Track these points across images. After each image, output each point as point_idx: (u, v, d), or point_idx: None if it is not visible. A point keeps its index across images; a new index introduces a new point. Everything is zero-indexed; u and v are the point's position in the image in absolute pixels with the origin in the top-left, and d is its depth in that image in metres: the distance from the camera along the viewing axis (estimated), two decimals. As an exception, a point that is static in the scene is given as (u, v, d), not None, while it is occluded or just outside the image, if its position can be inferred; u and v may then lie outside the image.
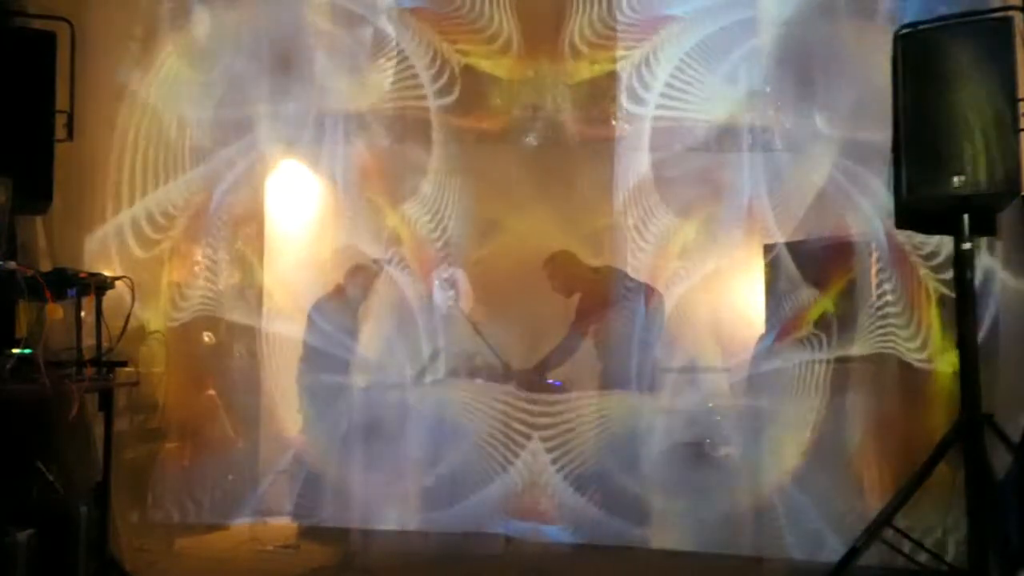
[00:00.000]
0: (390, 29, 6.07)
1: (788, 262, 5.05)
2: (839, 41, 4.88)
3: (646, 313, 5.66)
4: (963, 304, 3.66)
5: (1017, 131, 3.48)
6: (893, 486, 3.77)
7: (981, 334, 3.69)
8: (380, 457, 5.43)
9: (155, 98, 5.50)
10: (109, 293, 3.57)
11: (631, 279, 5.88)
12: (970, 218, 3.64)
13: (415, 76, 6.11)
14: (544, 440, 5.48)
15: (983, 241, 3.89)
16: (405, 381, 5.81)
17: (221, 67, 5.79)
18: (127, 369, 3.80)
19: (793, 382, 4.80)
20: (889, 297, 4.61)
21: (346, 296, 5.85)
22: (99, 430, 3.69)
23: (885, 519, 3.67)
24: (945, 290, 4.22)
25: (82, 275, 3.47)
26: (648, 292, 5.74)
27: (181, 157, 5.77)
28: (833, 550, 3.90)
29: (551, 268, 5.86)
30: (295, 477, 5.66)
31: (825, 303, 4.82)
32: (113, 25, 4.97)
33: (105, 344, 3.53)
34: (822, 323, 4.80)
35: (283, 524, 5.45)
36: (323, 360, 5.65)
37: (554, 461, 5.46)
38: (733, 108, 5.73)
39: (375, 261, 5.79)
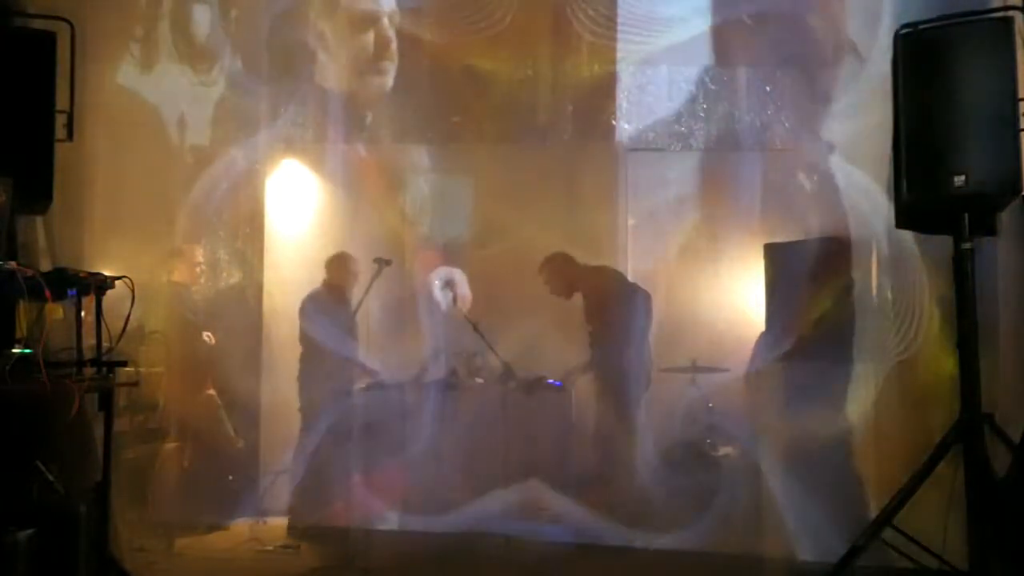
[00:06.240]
0: (391, 30, 6.08)
1: (788, 262, 5.04)
2: (840, 40, 4.88)
3: (637, 313, 5.66)
4: (963, 304, 3.66)
5: (1017, 131, 3.48)
6: (893, 486, 3.76)
7: (981, 334, 3.68)
8: (380, 457, 5.43)
9: (155, 98, 5.50)
10: (109, 293, 3.56)
11: (624, 279, 5.89)
12: (970, 218, 3.63)
13: (415, 76, 6.11)
14: (544, 440, 5.48)
15: (983, 241, 3.88)
16: (405, 381, 5.81)
17: (221, 67, 5.80)
18: (127, 369, 3.80)
19: (793, 382, 4.80)
20: (889, 297, 4.61)
21: (334, 288, 5.81)
22: (99, 430, 3.68)
23: (885, 519, 3.67)
24: (945, 290, 4.22)
25: (82, 275, 3.47)
26: (638, 292, 5.75)
27: (181, 157, 5.78)
28: (833, 550, 3.89)
29: (548, 271, 5.85)
30: (295, 477, 5.65)
31: (825, 303, 4.82)
32: (113, 25, 4.97)
33: (105, 344, 3.53)
34: (822, 323, 4.80)
35: (283, 524, 5.44)
36: (323, 359, 5.65)
37: (554, 461, 5.47)
38: (733, 107, 5.73)
39: (377, 260, 5.77)
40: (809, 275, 4.88)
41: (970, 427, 3.57)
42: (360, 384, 5.75)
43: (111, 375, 3.61)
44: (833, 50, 4.95)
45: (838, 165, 4.89)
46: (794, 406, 4.74)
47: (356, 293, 5.80)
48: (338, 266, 5.82)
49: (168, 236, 5.69)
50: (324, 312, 5.69)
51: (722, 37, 5.74)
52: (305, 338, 5.70)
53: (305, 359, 5.71)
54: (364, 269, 5.81)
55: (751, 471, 4.92)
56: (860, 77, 4.61)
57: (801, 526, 4.49)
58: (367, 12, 6.11)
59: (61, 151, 3.81)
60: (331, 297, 5.79)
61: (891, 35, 3.77)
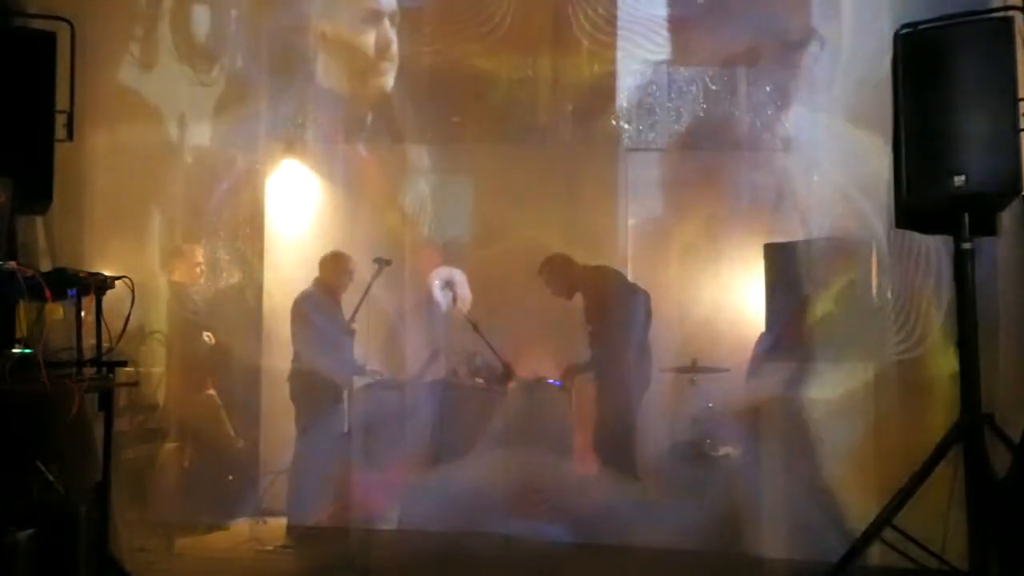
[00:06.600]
0: (392, 31, 6.09)
1: (788, 262, 5.05)
2: (840, 39, 4.89)
3: (637, 313, 5.67)
4: (963, 304, 3.66)
5: (1017, 131, 3.48)
6: (893, 486, 3.76)
7: (981, 334, 3.68)
8: (380, 457, 5.43)
9: (155, 98, 5.50)
10: (109, 293, 3.56)
11: (624, 279, 5.90)
12: (970, 218, 3.64)
13: (416, 76, 6.12)
14: (544, 439, 5.48)
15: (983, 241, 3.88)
16: (405, 381, 5.80)
17: (221, 67, 5.80)
18: (127, 369, 3.80)
19: (793, 382, 4.80)
20: (889, 297, 4.61)
21: (328, 288, 5.79)
22: (99, 430, 3.68)
23: (885, 519, 3.67)
24: (945, 290, 4.22)
25: (82, 275, 3.47)
26: (638, 292, 5.76)
27: (181, 157, 5.78)
28: (833, 550, 3.90)
29: (547, 272, 5.85)
30: (295, 477, 5.64)
31: (825, 303, 4.82)
32: (113, 25, 4.96)
33: (105, 344, 3.53)
34: (822, 323, 4.80)
35: (283, 524, 5.44)
36: (318, 359, 5.63)
37: (554, 460, 5.47)
38: (733, 107, 5.74)
39: (377, 260, 5.76)
40: (809, 275, 4.88)
41: (970, 427, 3.57)
42: (360, 384, 5.74)
43: (111, 375, 3.61)
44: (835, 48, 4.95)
45: (838, 165, 4.89)
46: (793, 406, 4.74)
47: (350, 292, 5.78)
48: (332, 265, 5.81)
49: (168, 236, 5.69)
50: (318, 311, 5.67)
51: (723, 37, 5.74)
52: (297, 338, 5.69)
53: (298, 359, 5.69)
54: (360, 268, 5.79)
55: (751, 471, 4.92)
56: (860, 76, 4.60)
57: (801, 526, 4.49)
58: (368, 12, 6.12)
59: (61, 151, 3.81)
60: (325, 296, 5.77)
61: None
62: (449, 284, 6.12)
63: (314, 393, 5.62)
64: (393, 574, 4.72)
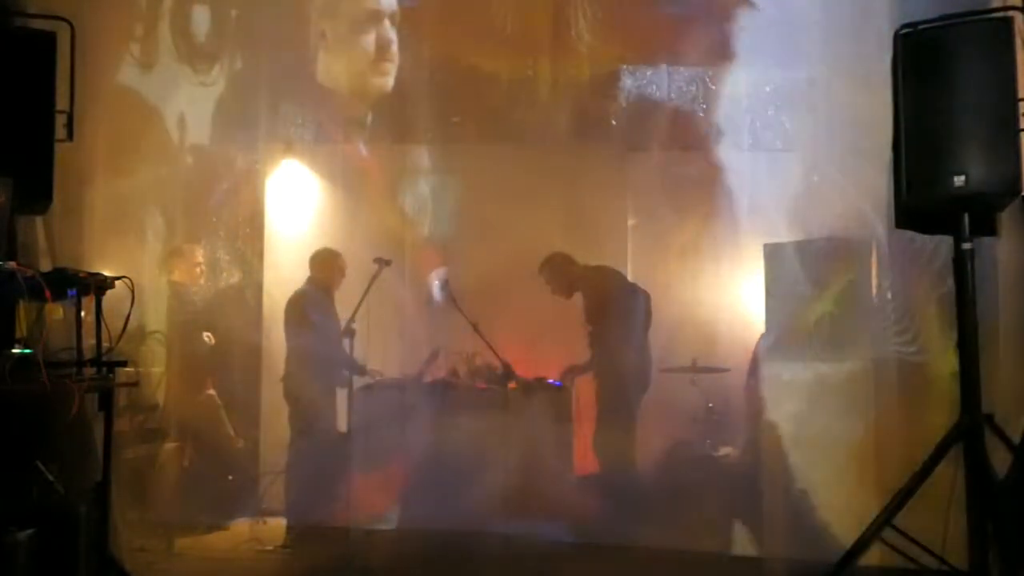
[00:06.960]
0: (392, 31, 6.09)
1: (788, 262, 5.05)
2: (841, 39, 4.88)
3: (637, 313, 5.67)
4: (963, 304, 3.66)
5: (1017, 131, 3.48)
6: (893, 486, 3.76)
7: (981, 334, 3.68)
8: (380, 457, 5.42)
9: (155, 98, 5.51)
10: (109, 293, 3.56)
11: (624, 279, 5.89)
12: (970, 218, 3.64)
13: (416, 76, 6.12)
14: (544, 439, 5.48)
15: (983, 241, 3.88)
16: (405, 381, 5.80)
17: (221, 67, 5.81)
18: (127, 369, 3.80)
19: (793, 382, 4.80)
20: (889, 297, 4.61)
21: (322, 286, 5.78)
22: (99, 430, 3.69)
23: (885, 519, 3.67)
24: (945, 290, 4.22)
25: (82, 275, 3.47)
26: (638, 292, 5.76)
27: (181, 157, 5.78)
28: (833, 550, 3.90)
29: (548, 272, 5.86)
30: (294, 477, 5.64)
31: (825, 303, 4.82)
32: (113, 25, 4.97)
33: (105, 344, 3.53)
34: (822, 323, 4.80)
35: (283, 524, 5.44)
36: (313, 358, 5.62)
37: (554, 461, 5.46)
38: (733, 107, 5.74)
39: (377, 260, 5.75)
40: (809, 275, 4.88)
41: (970, 427, 3.57)
42: (360, 384, 5.74)
43: (111, 375, 3.61)
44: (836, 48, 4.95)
45: (838, 165, 4.89)
46: (793, 406, 4.74)
47: (350, 293, 5.77)
48: (324, 262, 5.79)
49: (168, 236, 5.69)
50: (316, 310, 5.67)
51: (722, 36, 5.74)
52: (294, 337, 5.68)
53: (292, 359, 5.67)
54: (358, 267, 5.77)
55: (751, 471, 4.92)
56: (860, 75, 4.60)
57: (801, 526, 4.49)
58: (368, 12, 6.12)
59: (61, 151, 3.81)
60: (320, 294, 5.75)
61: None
62: (449, 284, 6.12)
63: (310, 392, 5.61)
64: (393, 574, 4.72)
